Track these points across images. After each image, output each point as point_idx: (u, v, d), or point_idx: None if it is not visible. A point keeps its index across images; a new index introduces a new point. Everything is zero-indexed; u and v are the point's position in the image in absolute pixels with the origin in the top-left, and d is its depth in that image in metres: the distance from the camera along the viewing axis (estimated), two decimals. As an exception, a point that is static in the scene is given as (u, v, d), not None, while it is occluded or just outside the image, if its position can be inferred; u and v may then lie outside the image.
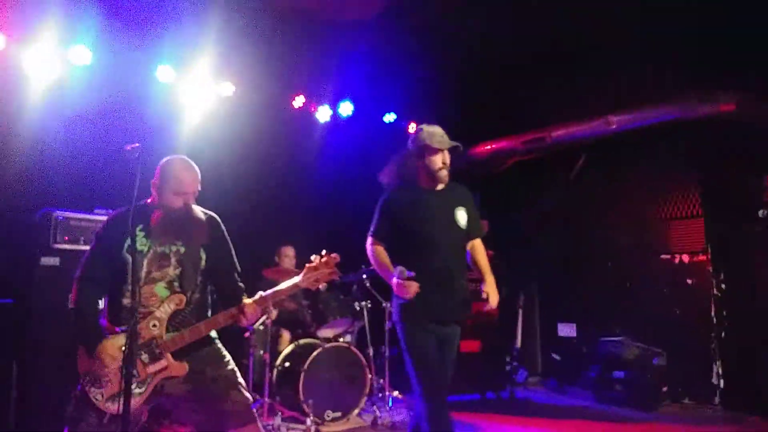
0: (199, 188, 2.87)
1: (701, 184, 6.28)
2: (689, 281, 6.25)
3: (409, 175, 3.46)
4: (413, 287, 3.07)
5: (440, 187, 3.41)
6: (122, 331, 2.65)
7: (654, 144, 6.34)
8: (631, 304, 6.64)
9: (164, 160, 2.86)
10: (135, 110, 5.35)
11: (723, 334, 5.94)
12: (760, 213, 5.56)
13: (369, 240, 3.41)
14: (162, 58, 5.51)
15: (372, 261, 3.37)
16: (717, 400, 5.85)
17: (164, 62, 5.52)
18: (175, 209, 2.80)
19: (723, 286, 6.02)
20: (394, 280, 3.12)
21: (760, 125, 5.94)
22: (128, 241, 2.63)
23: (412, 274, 3.08)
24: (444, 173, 3.35)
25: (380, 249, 3.36)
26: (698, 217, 6.25)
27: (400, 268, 3.11)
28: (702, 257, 6.17)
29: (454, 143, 3.39)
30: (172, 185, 2.79)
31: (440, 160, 3.33)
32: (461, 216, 3.38)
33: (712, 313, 5.99)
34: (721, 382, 5.87)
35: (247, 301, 2.80)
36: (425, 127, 3.41)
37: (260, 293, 2.83)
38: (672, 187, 6.51)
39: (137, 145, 2.52)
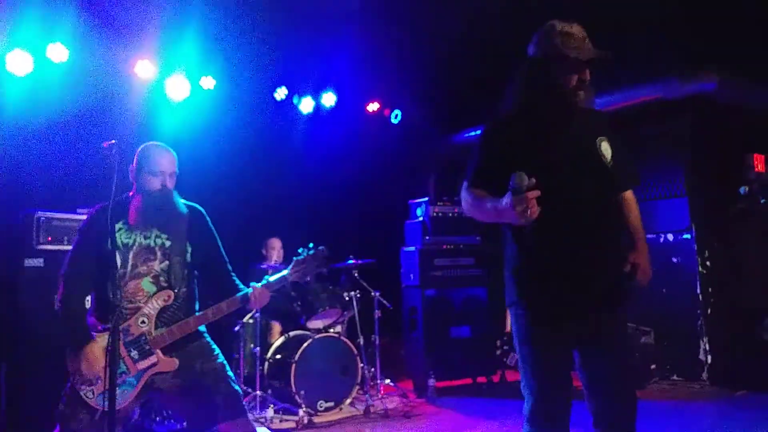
0: (176, 170, 2.85)
1: (684, 164, 6.33)
2: (675, 260, 6.31)
3: (529, 97, 2.37)
4: (533, 203, 1.97)
5: (567, 113, 2.36)
6: (107, 329, 2.64)
7: (638, 124, 6.38)
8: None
9: (141, 146, 2.87)
10: (115, 107, 5.31)
11: (709, 311, 6.01)
12: (742, 190, 5.63)
13: (463, 186, 2.38)
14: (141, 53, 5.46)
15: (469, 210, 2.35)
16: (705, 375, 5.93)
17: (143, 58, 5.47)
18: (154, 191, 2.78)
19: (708, 263, 6.09)
20: (505, 201, 2.02)
21: (740, 104, 6.01)
22: (111, 234, 2.61)
23: (533, 181, 1.99)
24: (581, 95, 2.32)
25: (476, 191, 2.30)
26: (682, 196, 6.30)
27: (517, 175, 2.00)
28: (687, 236, 6.23)
29: (600, 52, 2.32)
30: (148, 166, 2.78)
31: (576, 77, 2.29)
32: (607, 150, 2.34)
33: (698, 291, 6.06)
34: (709, 358, 5.95)
35: (254, 284, 2.81)
36: (557, 25, 2.34)
37: (254, 285, 2.83)
38: (656, 166, 6.55)
39: (114, 141, 2.52)
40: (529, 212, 1.97)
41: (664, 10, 5.45)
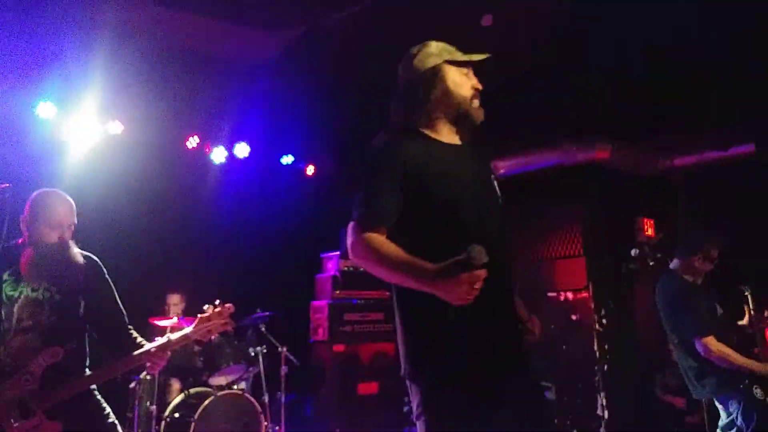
0: (75, 221, 2.70)
1: (582, 225, 6.70)
2: (574, 317, 6.58)
3: (418, 118, 2.07)
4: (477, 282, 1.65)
5: (456, 140, 2.12)
6: None
7: (539, 188, 6.71)
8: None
9: (35, 193, 2.68)
10: (10, 148, 5.02)
11: (605, 368, 6.28)
12: (633, 252, 6.01)
13: (354, 229, 1.88)
14: (43, 94, 5.24)
15: (366, 263, 1.87)
16: (602, 430, 6.13)
17: (45, 99, 5.24)
18: (49, 245, 2.62)
19: (604, 321, 6.39)
20: (448, 272, 1.67)
21: (632, 170, 6.49)
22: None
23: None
24: (477, 104, 2.10)
25: (377, 237, 1.84)
26: (580, 256, 6.63)
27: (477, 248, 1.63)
28: (584, 294, 6.53)
29: (484, 55, 2.10)
30: (45, 217, 2.61)
31: (469, 82, 2.08)
32: (497, 188, 2.13)
33: (595, 348, 6.33)
34: (605, 413, 6.17)
35: (145, 348, 2.63)
36: (428, 43, 2.12)
37: (146, 346, 2.67)
38: (557, 227, 6.89)
39: (7, 185, 2.36)
40: (473, 293, 1.68)
41: (563, 82, 5.85)
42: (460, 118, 2.09)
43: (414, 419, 1.90)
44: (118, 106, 5.69)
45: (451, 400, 1.81)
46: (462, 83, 2.07)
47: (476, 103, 2.10)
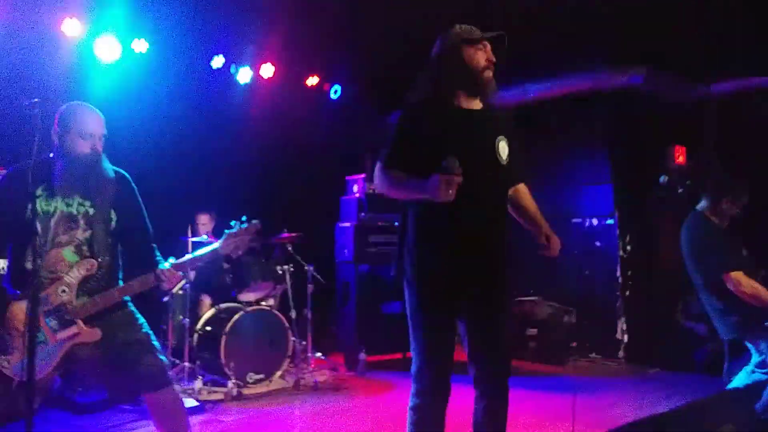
0: (105, 132, 2.71)
1: (610, 152, 6.59)
2: (597, 244, 6.59)
3: (442, 88, 2.58)
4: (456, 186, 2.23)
5: (478, 105, 2.60)
6: (25, 296, 2.53)
7: (568, 113, 6.58)
8: (544, 265, 6.92)
9: (63, 106, 2.69)
10: (40, 65, 5.04)
11: (627, 293, 6.33)
12: (662, 179, 5.92)
13: (378, 167, 2.52)
14: (68, 11, 5.19)
15: (385, 188, 2.50)
16: (621, 354, 6.26)
17: (71, 15, 5.20)
18: (81, 156, 2.63)
19: (628, 248, 6.40)
20: (432, 179, 2.24)
21: (665, 97, 6.29)
22: (30, 204, 2.47)
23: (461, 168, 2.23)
24: (490, 74, 2.55)
25: (391, 170, 2.48)
26: (607, 183, 6.56)
27: (450, 158, 2.24)
28: (610, 221, 6.51)
29: (498, 32, 2.59)
30: (76, 128, 2.62)
31: (483, 56, 2.54)
32: (503, 149, 2.57)
33: (618, 274, 6.36)
34: (625, 337, 6.27)
35: (164, 265, 2.72)
36: (453, 27, 2.63)
37: (171, 260, 2.74)
38: (583, 154, 6.79)
39: (37, 100, 2.37)
40: (450, 192, 2.23)
41: (597, 5, 5.61)
42: (474, 86, 2.56)
43: None
44: (144, 25, 5.63)
45: (417, 296, 2.50)
46: (476, 57, 2.54)
47: (488, 73, 2.55)
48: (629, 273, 6.37)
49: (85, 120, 2.65)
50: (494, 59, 2.56)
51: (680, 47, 5.74)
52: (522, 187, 2.76)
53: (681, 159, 6.41)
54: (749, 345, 3.68)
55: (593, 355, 6.41)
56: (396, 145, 2.52)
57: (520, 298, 6.69)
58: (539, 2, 5.52)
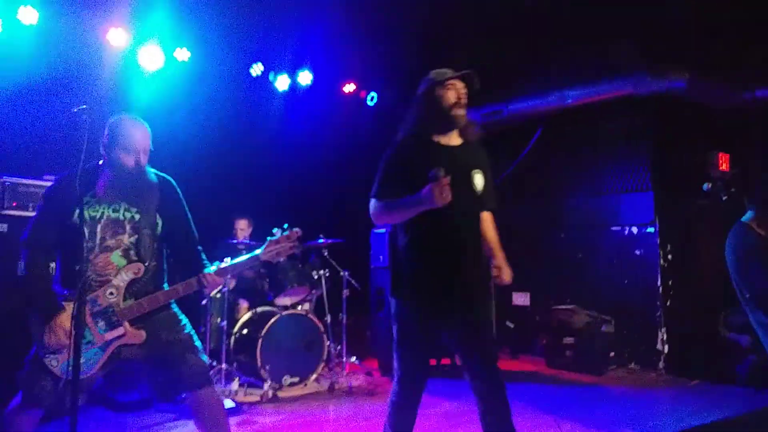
0: (151, 146, 2.80)
1: (651, 159, 6.47)
2: (637, 252, 6.47)
3: (420, 126, 2.90)
4: (448, 189, 2.53)
5: (457, 141, 2.91)
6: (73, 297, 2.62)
7: (607, 119, 6.49)
8: (582, 274, 6.85)
9: (113, 118, 2.78)
10: (86, 73, 5.21)
11: (668, 303, 6.19)
12: (705, 187, 5.79)
13: (372, 203, 2.81)
14: (113, 20, 5.35)
15: (383, 217, 2.81)
16: (661, 365, 6.12)
17: (116, 25, 5.36)
18: (127, 168, 2.73)
19: (669, 257, 6.26)
20: (425, 190, 2.55)
21: (708, 102, 6.15)
22: (80, 207, 2.56)
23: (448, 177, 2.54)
24: (461, 112, 2.84)
25: (386, 200, 2.78)
26: (647, 191, 6.45)
27: (436, 169, 2.55)
28: (650, 229, 6.39)
29: (465, 71, 2.90)
30: (122, 142, 2.71)
31: (453, 95, 2.84)
32: (479, 180, 2.87)
33: (658, 283, 6.23)
34: (666, 348, 6.14)
35: (210, 269, 2.78)
36: (433, 71, 2.97)
37: (218, 264, 2.80)
38: (623, 160, 6.69)
39: (84, 107, 2.46)
40: (444, 194, 2.52)
41: (639, 7, 5.54)
42: (447, 122, 2.86)
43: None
44: (186, 34, 5.77)
45: (402, 314, 2.79)
46: (446, 96, 2.84)
47: (458, 110, 2.84)
48: (670, 282, 6.23)
49: (130, 134, 2.74)
50: (464, 97, 2.87)
51: (724, 52, 5.62)
52: (487, 216, 3.01)
53: (725, 166, 6.26)
54: None
55: (632, 365, 6.28)
56: (384, 179, 2.82)
57: (556, 307, 6.61)
58: (580, 6, 5.47)
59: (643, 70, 5.89)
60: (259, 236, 5.53)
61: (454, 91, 2.85)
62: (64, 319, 2.58)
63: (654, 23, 5.58)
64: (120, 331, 2.65)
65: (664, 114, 6.20)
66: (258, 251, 2.83)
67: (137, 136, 2.75)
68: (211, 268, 2.79)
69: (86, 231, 2.64)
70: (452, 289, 2.74)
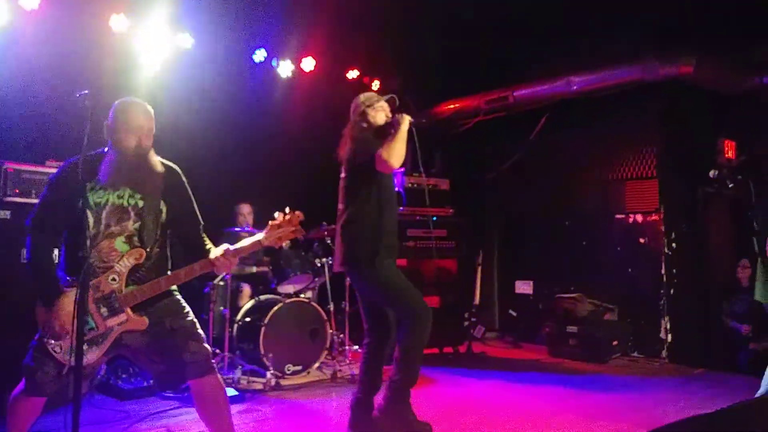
0: (153, 127, 2.79)
1: (656, 146, 6.43)
2: (642, 240, 6.45)
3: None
4: None
5: None
6: (76, 283, 2.61)
7: (613, 106, 6.44)
8: (586, 262, 6.83)
9: (116, 102, 2.78)
10: (88, 60, 5.16)
11: (672, 292, 6.17)
12: (711, 173, 5.74)
13: (378, 156, 3.47)
14: (116, 6, 5.31)
15: (399, 155, 3.47)
16: (664, 353, 6.12)
17: (118, 10, 5.32)
18: (130, 150, 2.71)
19: (674, 245, 6.23)
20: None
21: (716, 88, 6.09)
22: (83, 194, 2.55)
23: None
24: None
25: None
26: (652, 178, 6.41)
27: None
28: (655, 217, 6.36)
29: (389, 95, 3.74)
30: (125, 123, 2.70)
31: (383, 115, 3.68)
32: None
33: (662, 272, 6.21)
34: (669, 336, 6.13)
35: (215, 252, 2.75)
36: (361, 95, 3.77)
37: (225, 246, 2.78)
38: (628, 148, 6.65)
39: (86, 92, 2.44)
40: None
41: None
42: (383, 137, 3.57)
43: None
44: (188, 19, 5.72)
45: (391, 269, 3.62)
46: (377, 117, 3.68)
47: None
48: (674, 271, 6.21)
49: (132, 114, 2.73)
50: (391, 113, 3.66)
51: (732, 38, 5.55)
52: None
53: (731, 154, 6.20)
54: None
55: (635, 354, 6.28)
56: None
57: (559, 295, 6.60)
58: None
59: (651, 56, 5.84)
60: (261, 223, 5.51)
61: (383, 111, 3.67)
62: (67, 305, 2.57)
63: (661, 8, 5.51)
64: (122, 317, 2.64)
65: (671, 101, 6.14)
66: (260, 236, 2.81)
67: (139, 117, 2.74)
68: (216, 251, 2.76)
69: (91, 217, 2.63)
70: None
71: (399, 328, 3.62)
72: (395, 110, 3.67)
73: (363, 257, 3.53)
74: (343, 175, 3.75)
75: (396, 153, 3.45)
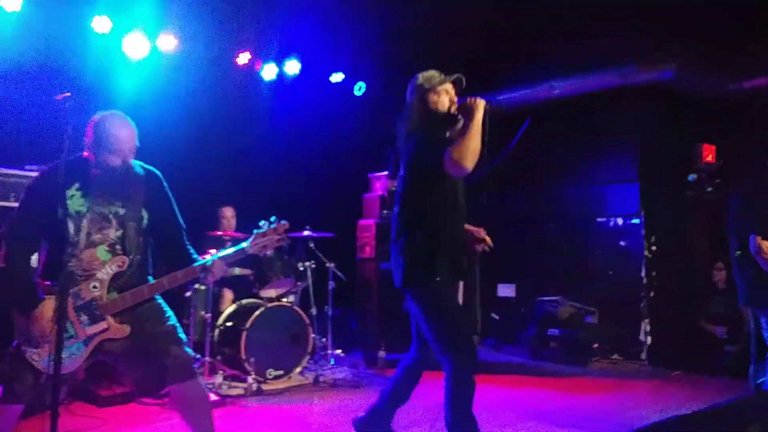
0: (137, 144, 2.76)
1: (637, 150, 6.50)
2: (622, 243, 6.51)
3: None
4: None
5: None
6: (55, 290, 2.58)
7: (594, 110, 6.50)
8: (567, 265, 6.88)
9: (96, 116, 2.71)
10: (69, 62, 5.12)
11: (652, 295, 6.24)
12: (691, 178, 5.82)
13: (447, 156, 2.85)
14: (98, 7, 5.27)
15: (472, 153, 2.88)
16: (644, 356, 6.18)
17: (100, 12, 5.28)
18: (113, 168, 2.69)
19: (654, 248, 6.31)
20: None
21: (695, 93, 6.18)
22: (62, 201, 2.52)
23: None
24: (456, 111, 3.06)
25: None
26: (633, 182, 6.48)
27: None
28: (636, 220, 6.42)
29: (455, 75, 3.10)
30: (108, 144, 2.65)
31: (446, 99, 3.06)
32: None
33: (643, 275, 6.28)
34: (648, 339, 6.19)
35: (200, 263, 2.74)
36: (420, 75, 3.15)
37: (214, 253, 2.77)
38: (609, 152, 6.71)
39: (68, 94, 2.41)
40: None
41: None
42: (446, 124, 3.02)
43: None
44: (171, 21, 5.68)
45: (446, 293, 3.05)
46: (440, 102, 3.05)
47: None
48: (654, 274, 6.28)
49: (115, 137, 2.67)
50: (456, 98, 3.05)
51: (712, 43, 5.63)
52: None
53: (710, 158, 6.30)
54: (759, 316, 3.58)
55: (616, 356, 6.34)
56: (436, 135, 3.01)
57: (541, 298, 6.64)
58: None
59: (632, 61, 5.90)
60: (244, 227, 5.50)
61: (447, 94, 3.04)
62: (47, 312, 2.54)
63: (642, 14, 5.58)
64: (103, 325, 2.62)
65: (651, 104, 6.22)
66: (245, 244, 2.80)
67: (123, 136, 2.69)
68: (201, 262, 2.75)
69: (72, 225, 2.61)
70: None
71: (443, 369, 3.01)
72: (460, 94, 3.07)
73: (416, 276, 2.99)
74: (401, 173, 3.15)
75: (471, 152, 2.84)
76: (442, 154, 2.86)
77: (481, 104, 2.90)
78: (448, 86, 3.07)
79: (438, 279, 2.93)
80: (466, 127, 2.87)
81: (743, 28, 5.38)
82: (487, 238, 3.24)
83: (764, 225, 3.44)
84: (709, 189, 6.16)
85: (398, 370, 3.30)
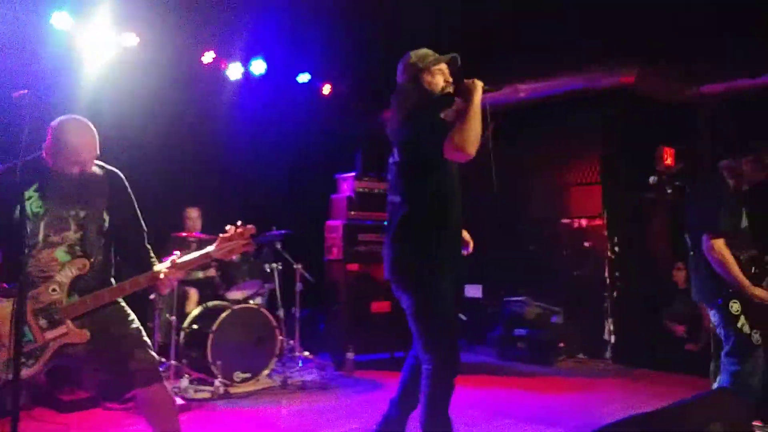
0: (98, 152, 2.67)
1: (600, 152, 6.62)
2: (586, 244, 6.62)
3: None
4: None
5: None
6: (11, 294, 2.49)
7: (559, 113, 6.60)
8: (533, 265, 6.96)
9: (56, 122, 2.62)
10: (28, 59, 4.97)
11: (615, 294, 6.36)
12: (651, 180, 5.95)
13: (449, 142, 2.68)
14: (58, 3, 5.13)
15: (474, 139, 2.69)
16: (608, 354, 6.29)
17: (60, 8, 5.14)
18: (72, 176, 2.61)
19: (616, 249, 6.43)
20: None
21: (656, 97, 6.33)
22: (20, 202, 2.43)
23: None
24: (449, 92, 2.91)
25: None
26: (596, 184, 6.59)
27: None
28: (598, 221, 6.54)
29: (451, 54, 2.94)
30: (67, 153, 2.57)
31: (441, 79, 2.92)
32: None
33: (606, 275, 6.39)
34: (612, 338, 6.31)
35: (160, 268, 2.68)
36: (412, 53, 2.97)
37: (171, 260, 2.69)
38: (574, 154, 6.82)
39: (26, 91, 2.33)
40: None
41: (590, 4, 5.62)
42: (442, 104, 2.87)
43: None
44: (133, 18, 5.57)
45: (442, 290, 2.90)
46: (434, 82, 2.91)
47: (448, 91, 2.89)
48: (617, 274, 6.40)
49: (76, 146, 2.59)
50: (451, 78, 2.90)
51: (672, 48, 5.77)
52: None
53: (670, 161, 6.46)
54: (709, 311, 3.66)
55: (581, 355, 6.44)
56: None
57: (508, 299, 6.70)
58: (533, 2, 5.53)
59: (595, 66, 6.02)
60: (209, 227, 5.41)
61: (441, 74, 2.90)
62: (3, 317, 2.45)
63: (605, 20, 5.68)
64: (62, 329, 2.53)
65: (614, 109, 6.34)
66: (210, 248, 2.74)
67: (82, 145, 2.60)
68: (161, 266, 2.69)
69: (29, 227, 2.52)
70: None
71: (423, 367, 2.91)
72: (456, 74, 2.92)
73: (411, 267, 2.87)
74: (396, 159, 2.95)
75: (472, 136, 2.66)
76: (442, 140, 2.68)
77: (479, 85, 2.74)
78: (443, 66, 2.93)
79: (437, 273, 2.81)
80: (465, 110, 2.69)
81: (701, 34, 5.52)
82: (471, 241, 3.22)
83: (717, 225, 3.50)
84: (669, 191, 6.32)
85: (404, 373, 3.18)
